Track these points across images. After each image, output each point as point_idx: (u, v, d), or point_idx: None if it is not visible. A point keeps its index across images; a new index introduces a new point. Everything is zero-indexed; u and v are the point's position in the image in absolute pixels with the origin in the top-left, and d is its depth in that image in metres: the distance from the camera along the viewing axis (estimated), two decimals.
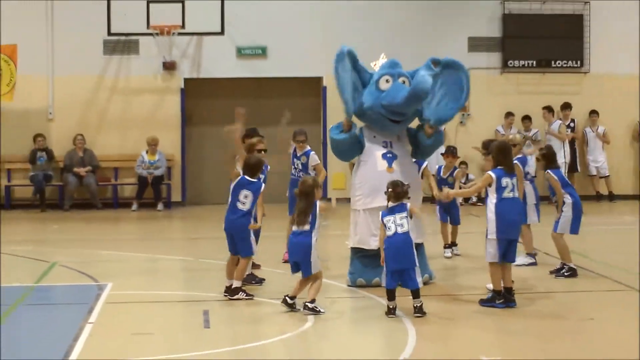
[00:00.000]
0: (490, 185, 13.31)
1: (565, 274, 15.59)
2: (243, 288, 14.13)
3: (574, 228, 15.65)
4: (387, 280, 12.81)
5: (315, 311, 12.95)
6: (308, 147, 17.90)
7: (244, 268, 14.18)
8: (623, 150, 28.33)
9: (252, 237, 14.27)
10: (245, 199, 14.16)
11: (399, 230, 12.88)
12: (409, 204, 13.15)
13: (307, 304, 12.99)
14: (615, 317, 13.02)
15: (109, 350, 11.21)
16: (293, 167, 17.94)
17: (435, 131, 15.26)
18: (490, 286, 13.63)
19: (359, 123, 15.50)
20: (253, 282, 15.09)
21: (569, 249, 15.96)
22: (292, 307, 13.13)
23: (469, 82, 15.44)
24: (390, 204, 13.08)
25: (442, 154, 19.10)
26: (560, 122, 27.25)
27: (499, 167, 13.34)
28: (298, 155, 17.74)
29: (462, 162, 27.35)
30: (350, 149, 15.47)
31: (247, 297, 13.98)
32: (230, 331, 12.50)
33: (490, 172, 13.36)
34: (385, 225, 12.97)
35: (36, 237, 22.05)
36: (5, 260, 17.92)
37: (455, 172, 18.52)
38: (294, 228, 13.28)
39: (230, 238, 14.21)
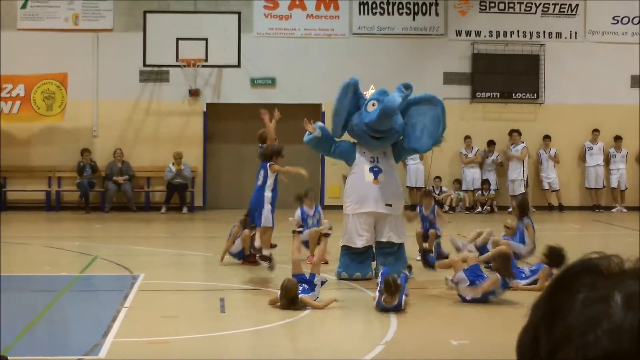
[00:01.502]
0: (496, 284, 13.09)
1: None
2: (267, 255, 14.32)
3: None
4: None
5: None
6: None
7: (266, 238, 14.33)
8: (571, 168, 28.38)
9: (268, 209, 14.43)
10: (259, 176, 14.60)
11: None
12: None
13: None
14: None
15: (142, 331, 11.28)
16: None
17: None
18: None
19: (350, 139, 15.74)
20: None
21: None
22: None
23: (444, 118, 15.57)
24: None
25: (422, 195, 18.38)
26: (523, 144, 27.28)
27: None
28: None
29: (437, 177, 27.43)
30: (317, 147, 16.23)
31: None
32: (242, 316, 12.56)
33: (499, 278, 13.05)
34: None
35: (81, 235, 22.10)
36: (56, 253, 18.01)
37: (436, 209, 17.49)
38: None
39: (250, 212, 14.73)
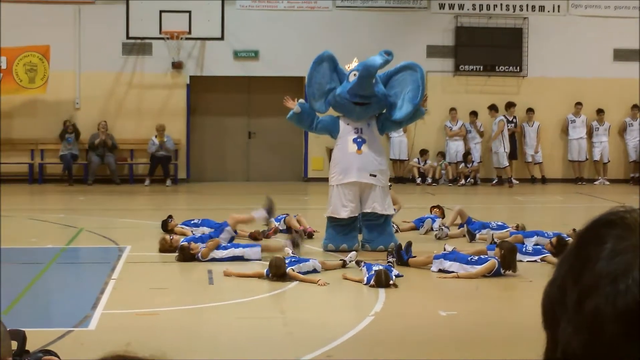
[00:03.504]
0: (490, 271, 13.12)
1: None
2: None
3: None
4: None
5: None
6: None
7: None
8: (554, 141, 28.45)
9: None
10: None
11: None
12: None
13: None
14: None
15: (130, 302, 11.27)
16: None
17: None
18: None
19: (335, 114, 15.73)
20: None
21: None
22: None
23: (424, 84, 15.61)
24: None
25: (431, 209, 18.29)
26: (501, 118, 27.30)
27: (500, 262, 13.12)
28: None
29: (424, 150, 27.41)
30: (299, 123, 16.06)
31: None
32: (230, 287, 12.56)
33: (495, 262, 13.09)
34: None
35: (65, 207, 22.04)
36: (41, 226, 17.94)
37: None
38: None
39: None
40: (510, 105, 27.60)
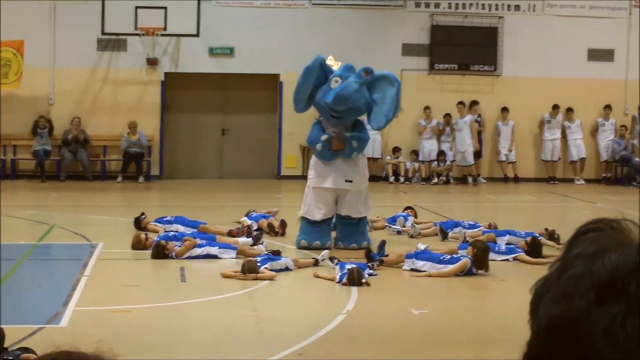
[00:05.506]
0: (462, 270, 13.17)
1: None
2: None
3: None
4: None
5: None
6: None
7: None
8: (528, 141, 28.57)
9: None
10: None
11: None
12: None
13: None
14: (523, 279, 13.23)
15: (103, 299, 11.26)
16: None
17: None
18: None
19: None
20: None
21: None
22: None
23: (399, 98, 15.59)
24: None
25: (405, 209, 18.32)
26: (471, 117, 27.38)
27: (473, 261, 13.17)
28: None
29: (396, 148, 27.50)
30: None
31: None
32: (202, 285, 12.56)
33: (467, 261, 13.15)
34: None
35: (37, 203, 21.92)
36: (12, 222, 17.83)
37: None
38: None
39: None
40: (474, 104, 27.69)
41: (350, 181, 15.30)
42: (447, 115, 27.63)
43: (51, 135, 26.25)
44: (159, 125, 27.42)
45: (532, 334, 1.46)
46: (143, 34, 25.97)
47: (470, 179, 27.40)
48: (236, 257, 13.99)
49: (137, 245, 14.64)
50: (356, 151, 15.41)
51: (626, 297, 1.32)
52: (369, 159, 26.89)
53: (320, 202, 15.29)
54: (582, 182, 27.87)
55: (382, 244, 14.25)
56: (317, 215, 15.25)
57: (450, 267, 13.08)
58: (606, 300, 1.33)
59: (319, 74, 15.39)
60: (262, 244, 14.82)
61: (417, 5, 27.92)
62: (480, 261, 13.15)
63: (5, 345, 6.59)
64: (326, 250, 14.18)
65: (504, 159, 28.14)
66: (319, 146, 15.36)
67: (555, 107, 27.98)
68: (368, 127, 15.98)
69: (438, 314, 10.98)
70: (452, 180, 27.49)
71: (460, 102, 27.44)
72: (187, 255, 13.98)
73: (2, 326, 6.49)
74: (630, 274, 1.33)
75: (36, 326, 9.80)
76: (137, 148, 26.29)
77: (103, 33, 26.09)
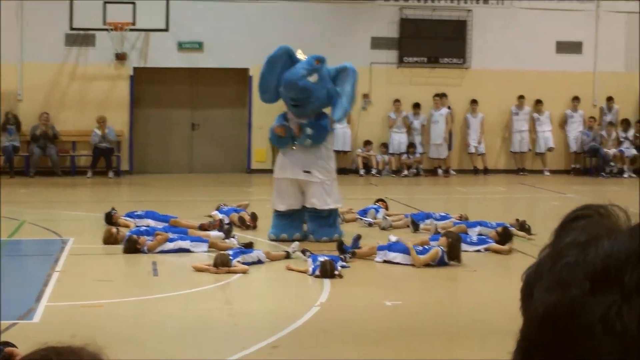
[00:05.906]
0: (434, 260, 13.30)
1: None
2: None
3: None
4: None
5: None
6: None
7: None
8: (497, 133, 28.69)
9: None
10: None
11: None
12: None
13: None
14: (494, 269, 13.30)
15: (75, 294, 11.22)
16: None
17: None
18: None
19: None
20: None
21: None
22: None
23: (355, 88, 15.65)
24: None
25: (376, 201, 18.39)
26: (448, 110, 27.51)
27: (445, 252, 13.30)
28: None
29: (367, 142, 27.54)
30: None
31: None
32: (174, 279, 12.55)
33: (439, 250, 13.30)
34: None
35: (6, 199, 21.70)
36: None
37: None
38: None
39: None
40: (442, 96, 27.78)
41: (309, 172, 15.31)
42: (417, 106, 27.69)
43: (19, 131, 26.10)
44: (128, 120, 27.32)
45: (524, 322, 1.47)
46: (112, 29, 25.86)
47: (440, 171, 27.53)
48: (208, 251, 13.99)
49: (109, 239, 14.60)
50: (311, 139, 15.32)
51: (620, 285, 1.33)
52: (339, 152, 27.14)
53: (283, 193, 15.43)
54: (548, 173, 28.01)
55: (357, 237, 14.30)
56: (281, 207, 15.37)
57: (422, 257, 13.13)
58: (600, 288, 1.34)
59: (288, 65, 15.39)
60: (233, 237, 14.85)
61: None
62: (454, 251, 13.22)
63: None
64: (296, 242, 14.22)
65: (473, 151, 28.24)
66: (269, 132, 15.59)
67: (521, 97, 28.11)
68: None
69: (411, 305, 11.02)
70: (422, 173, 27.59)
71: (437, 95, 27.54)
72: (159, 249, 13.96)
73: None
74: (624, 261, 1.35)
75: (9, 322, 9.75)
76: (107, 143, 26.18)
77: (71, 28, 25.95)
